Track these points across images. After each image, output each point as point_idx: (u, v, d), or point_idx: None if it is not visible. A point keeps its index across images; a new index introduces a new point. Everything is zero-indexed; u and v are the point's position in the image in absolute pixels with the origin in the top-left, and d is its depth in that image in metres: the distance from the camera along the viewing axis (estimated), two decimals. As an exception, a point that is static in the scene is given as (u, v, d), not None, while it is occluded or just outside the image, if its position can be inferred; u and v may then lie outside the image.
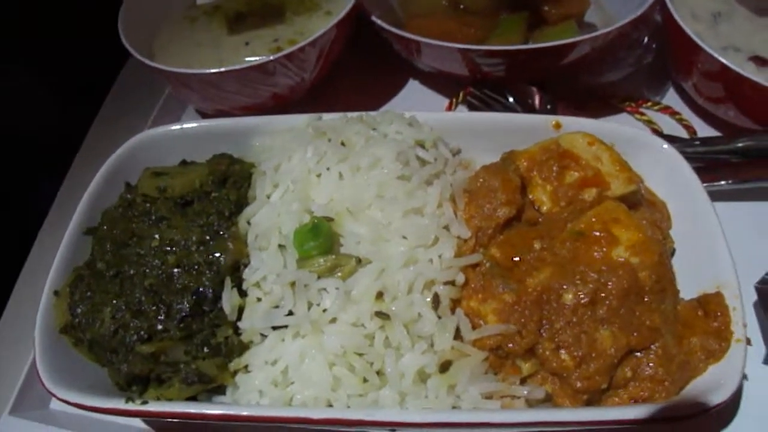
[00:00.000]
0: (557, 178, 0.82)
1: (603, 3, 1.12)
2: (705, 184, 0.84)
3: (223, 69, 0.92)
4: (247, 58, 1.00)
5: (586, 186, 0.82)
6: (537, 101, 0.98)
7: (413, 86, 1.09)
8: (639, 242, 0.77)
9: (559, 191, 0.81)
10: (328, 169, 0.80)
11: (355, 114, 0.86)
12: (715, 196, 0.84)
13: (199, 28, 1.07)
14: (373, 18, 1.01)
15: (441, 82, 1.04)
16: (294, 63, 0.94)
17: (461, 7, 1.10)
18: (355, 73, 1.08)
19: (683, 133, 1.04)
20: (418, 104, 1.05)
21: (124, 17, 1.02)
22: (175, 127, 0.89)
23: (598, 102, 1.06)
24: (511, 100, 0.99)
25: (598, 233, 0.77)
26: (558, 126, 0.88)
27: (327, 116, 0.87)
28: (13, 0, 1.09)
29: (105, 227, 0.84)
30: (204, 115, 1.08)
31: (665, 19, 1.03)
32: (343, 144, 0.83)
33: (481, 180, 0.81)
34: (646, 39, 1.05)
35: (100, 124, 1.08)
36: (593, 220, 0.78)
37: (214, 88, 0.96)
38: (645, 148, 0.87)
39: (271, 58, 0.92)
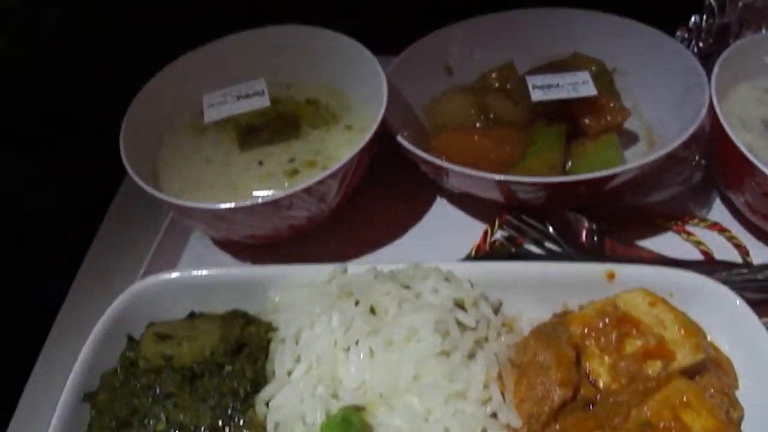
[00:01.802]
0: (616, 348, 0.70)
1: (641, 108, 1.01)
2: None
3: (233, 205, 0.79)
4: (260, 182, 0.88)
5: (649, 358, 0.70)
6: (583, 234, 0.86)
7: (442, 207, 0.96)
8: (713, 431, 0.66)
9: (619, 365, 0.69)
10: (357, 342, 0.68)
11: (385, 268, 0.74)
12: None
13: (208, 141, 0.95)
14: (399, 139, 0.89)
15: (472, 203, 0.92)
16: (313, 195, 0.81)
17: (491, 116, 0.98)
18: (377, 189, 0.95)
19: (734, 254, 0.92)
20: (448, 228, 0.93)
21: (127, 128, 0.89)
22: (181, 275, 0.77)
23: (641, 221, 0.94)
24: (551, 229, 0.87)
25: (666, 423, 0.66)
26: (611, 276, 0.76)
27: (353, 268, 0.75)
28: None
29: (104, 397, 0.71)
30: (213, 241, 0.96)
31: (712, 129, 0.92)
32: (372, 310, 0.71)
33: (531, 353, 0.69)
34: (696, 157, 0.93)
35: (92, 259, 0.95)
36: (661, 406, 0.66)
37: (223, 221, 0.83)
38: (708, 297, 0.75)
39: (287, 193, 0.79)
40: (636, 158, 0.97)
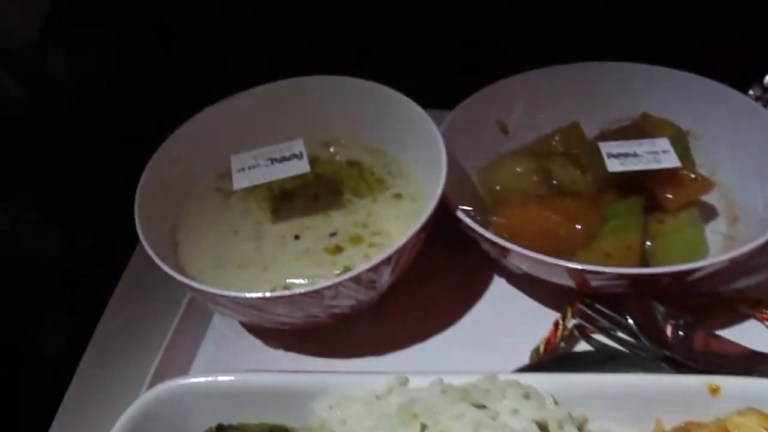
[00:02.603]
0: (733, 488, 0.58)
1: (719, 177, 0.87)
2: None
3: (267, 294, 0.67)
4: (297, 261, 0.75)
5: (773, 500, 0.58)
6: (668, 328, 0.74)
7: (503, 288, 0.82)
8: None
9: None
10: (426, 479, 0.55)
11: (454, 380, 0.61)
12: None
13: (235, 208, 0.82)
14: (459, 214, 0.77)
15: (537, 284, 0.79)
16: (362, 283, 0.69)
17: (554, 182, 0.86)
18: (430, 267, 0.80)
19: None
20: (509, 312, 0.80)
21: (144, 191, 0.77)
22: (208, 380, 0.63)
23: (722, 308, 0.82)
24: (630, 321, 0.75)
25: None
26: (715, 390, 0.63)
27: (415, 380, 0.62)
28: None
29: None
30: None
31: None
32: (442, 438, 0.58)
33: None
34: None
35: (96, 346, 0.80)
36: None
37: (254, 309, 0.70)
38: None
39: (332, 282, 0.66)
40: (717, 235, 0.85)
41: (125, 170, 0.82)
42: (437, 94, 0.88)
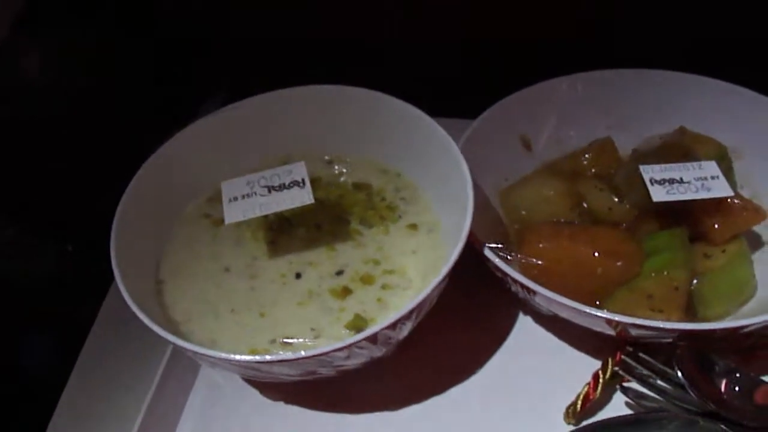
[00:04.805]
0: None
1: (763, 202, 0.75)
2: None
3: (268, 357, 0.53)
4: (299, 306, 0.61)
5: None
6: (723, 383, 0.62)
7: (530, 328, 0.69)
8: None
9: None
10: None
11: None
12: None
13: (226, 238, 0.67)
14: (487, 255, 0.63)
15: (571, 325, 0.67)
16: (379, 342, 0.56)
17: (585, 205, 0.73)
18: (447, 304, 0.63)
19: None
20: (541, 361, 0.66)
21: (121, 224, 0.62)
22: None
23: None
24: (680, 374, 0.63)
25: None
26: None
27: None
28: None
29: None
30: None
31: None
32: None
33: None
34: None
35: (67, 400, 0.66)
36: None
37: (251, 370, 0.57)
38: None
39: (345, 344, 0.53)
40: (766, 268, 0.74)
41: (107, 182, 0.68)
42: (454, 104, 0.75)
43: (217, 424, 0.64)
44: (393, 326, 0.54)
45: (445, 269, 0.56)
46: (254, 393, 0.66)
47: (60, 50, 0.78)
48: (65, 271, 0.75)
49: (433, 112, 0.71)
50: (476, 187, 0.73)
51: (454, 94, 0.79)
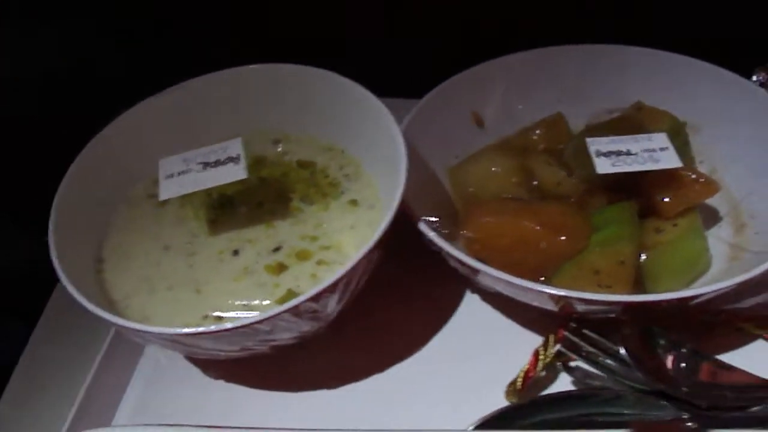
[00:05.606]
0: None
1: (721, 176, 0.71)
2: None
3: (190, 330, 0.51)
4: (234, 282, 0.59)
5: None
6: (669, 359, 0.59)
7: (475, 306, 0.67)
8: None
9: None
10: None
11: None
12: None
13: (169, 218, 0.66)
14: (422, 228, 0.61)
15: (515, 303, 0.64)
16: (303, 315, 0.54)
17: (535, 183, 0.71)
18: (390, 280, 0.63)
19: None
20: (484, 338, 0.64)
21: (60, 207, 0.61)
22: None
23: (726, 328, 0.67)
24: (623, 351, 0.60)
25: None
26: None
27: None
28: None
29: None
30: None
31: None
32: None
33: None
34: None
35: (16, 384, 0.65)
36: None
37: (183, 345, 0.56)
38: None
39: (264, 316, 0.51)
40: (721, 244, 0.69)
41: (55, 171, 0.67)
42: (407, 81, 0.73)
43: (157, 402, 0.63)
44: (316, 299, 0.52)
45: (372, 239, 0.54)
46: (197, 372, 0.65)
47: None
48: (20, 258, 0.75)
49: (391, 92, 0.70)
50: (425, 165, 0.72)
51: (408, 72, 0.77)
